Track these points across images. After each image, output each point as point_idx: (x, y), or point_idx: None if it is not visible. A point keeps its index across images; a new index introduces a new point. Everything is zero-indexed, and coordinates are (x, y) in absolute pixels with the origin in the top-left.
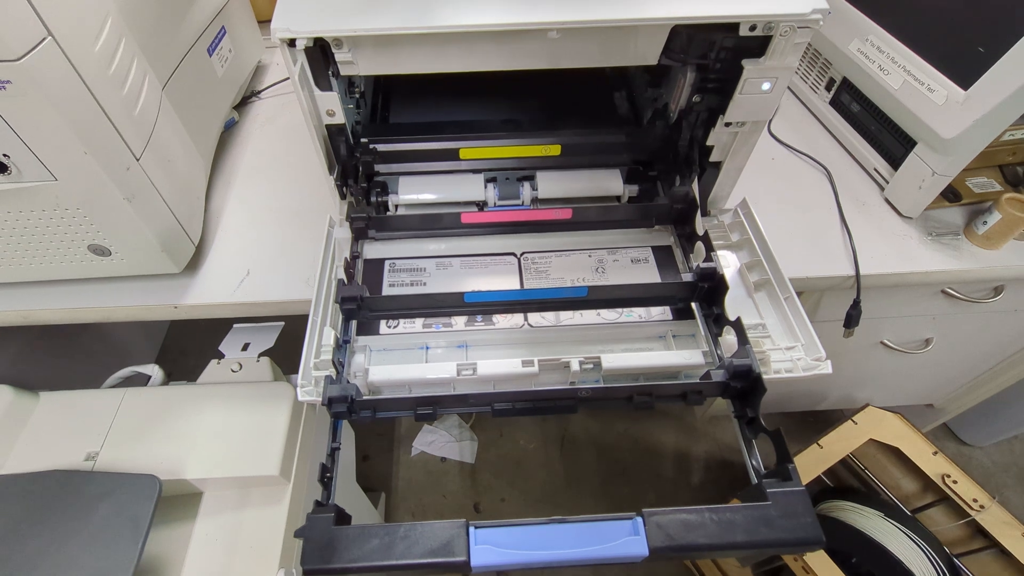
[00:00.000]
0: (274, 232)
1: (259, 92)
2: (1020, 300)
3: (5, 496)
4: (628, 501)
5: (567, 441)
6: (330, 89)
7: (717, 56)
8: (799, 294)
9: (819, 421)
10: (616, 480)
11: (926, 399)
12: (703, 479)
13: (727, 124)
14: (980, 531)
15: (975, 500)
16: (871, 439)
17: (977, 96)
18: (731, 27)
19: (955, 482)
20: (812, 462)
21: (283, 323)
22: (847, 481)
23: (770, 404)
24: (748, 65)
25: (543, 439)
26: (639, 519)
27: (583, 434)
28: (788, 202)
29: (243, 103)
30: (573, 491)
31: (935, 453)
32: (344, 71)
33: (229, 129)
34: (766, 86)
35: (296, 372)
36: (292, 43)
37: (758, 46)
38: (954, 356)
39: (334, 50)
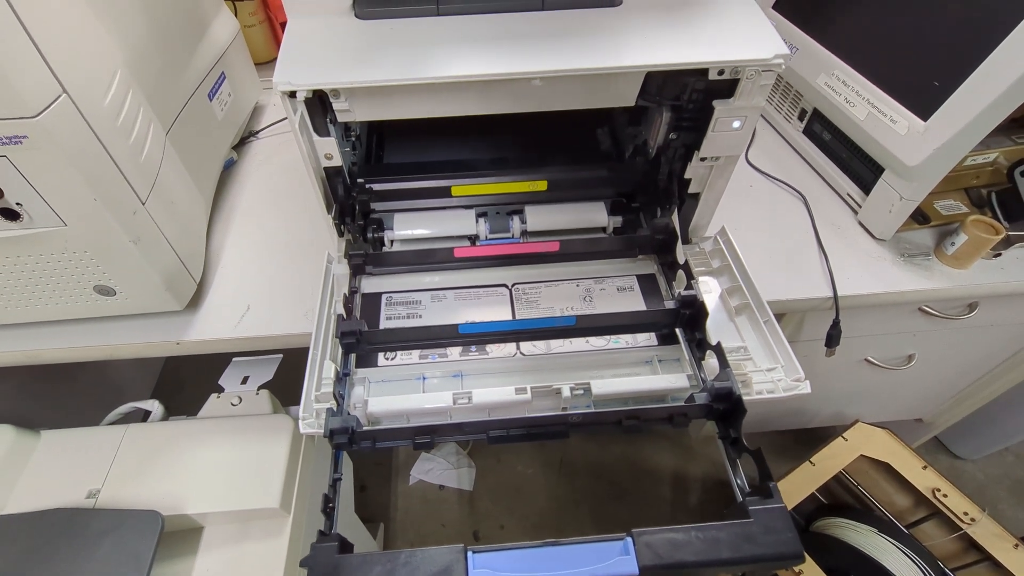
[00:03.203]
0: (273, 267)
1: (257, 132)
2: (995, 316)
3: (8, 536)
4: (627, 524)
5: (565, 465)
6: (328, 135)
7: (690, 97)
8: (781, 316)
9: (812, 438)
10: (615, 503)
11: (914, 414)
12: (701, 499)
13: (702, 159)
14: (973, 544)
15: (966, 513)
16: (862, 455)
17: (936, 126)
18: (701, 72)
19: (945, 496)
20: (805, 479)
21: (281, 355)
22: (841, 498)
23: (764, 423)
24: (718, 105)
25: (541, 464)
26: (629, 539)
27: (581, 458)
28: (767, 227)
29: (242, 143)
30: (572, 516)
31: (925, 467)
32: (341, 118)
33: (228, 169)
34: (736, 124)
35: (295, 404)
36: (293, 95)
37: (727, 88)
38: (937, 371)
39: (332, 100)
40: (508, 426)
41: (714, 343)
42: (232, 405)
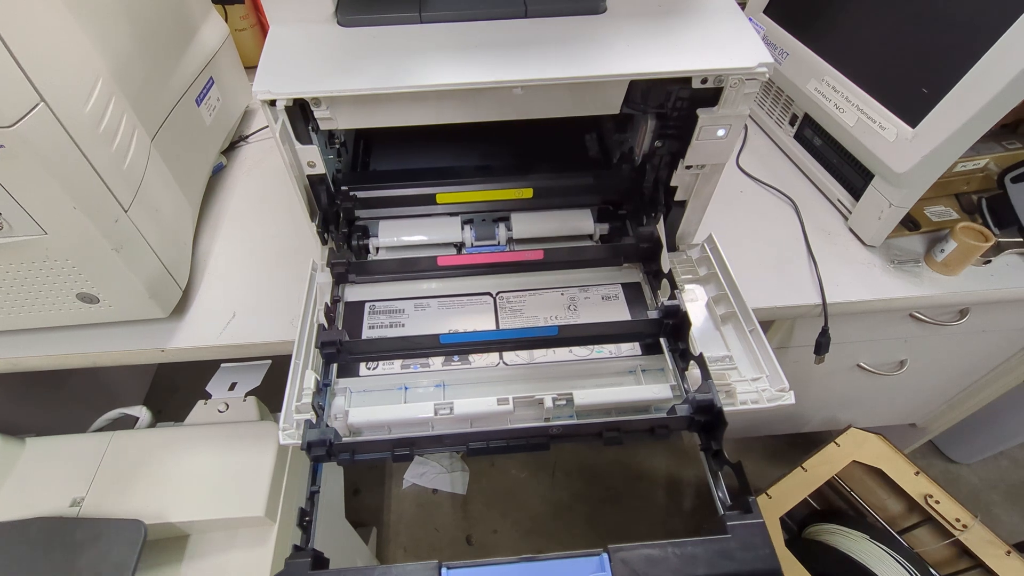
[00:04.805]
0: (260, 274)
1: (247, 137)
2: (986, 322)
3: None
4: (620, 528)
5: (558, 469)
6: (310, 143)
7: (674, 105)
8: (771, 323)
9: (805, 443)
10: (608, 507)
11: (907, 419)
12: (694, 504)
13: (688, 167)
14: (965, 551)
15: (958, 520)
16: (855, 461)
17: (924, 133)
18: (684, 80)
19: (938, 502)
20: (797, 485)
21: (270, 361)
22: (834, 503)
23: (755, 428)
24: (703, 114)
25: (534, 468)
26: (605, 555)
27: (574, 462)
28: (757, 233)
29: (231, 148)
30: (565, 520)
31: (917, 473)
32: (323, 126)
33: (217, 173)
34: (721, 132)
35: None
36: (273, 103)
37: (711, 96)
38: (929, 376)
39: (313, 108)
40: (488, 438)
41: (697, 353)
42: (219, 412)
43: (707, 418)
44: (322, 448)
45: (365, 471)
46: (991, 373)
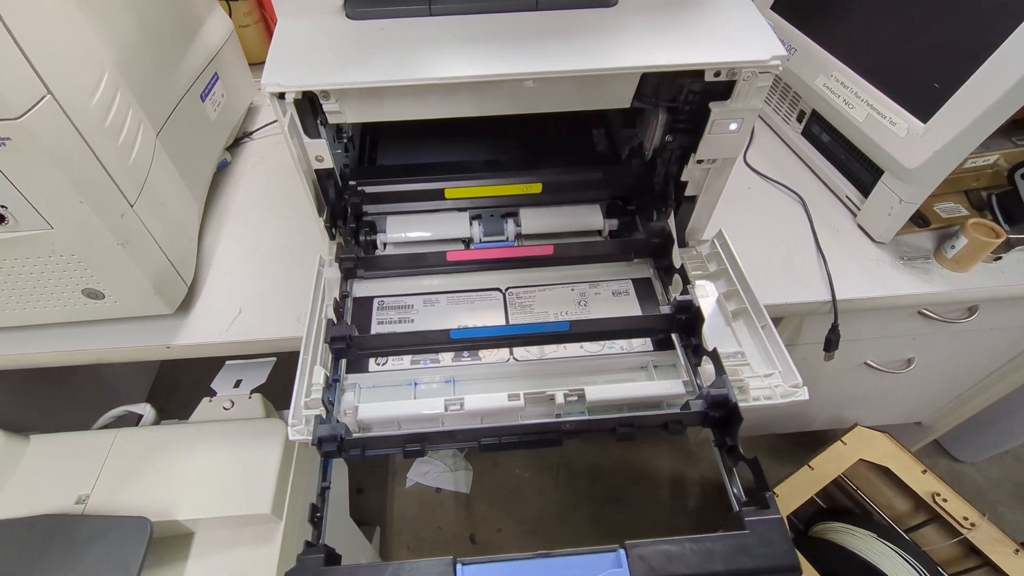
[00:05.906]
0: (266, 270)
1: (251, 133)
2: (995, 319)
3: None
4: (624, 528)
5: (563, 468)
6: (318, 137)
7: (686, 99)
8: (780, 320)
9: (812, 441)
10: (612, 507)
11: (914, 417)
12: (699, 503)
13: (699, 161)
14: (973, 549)
15: (966, 518)
16: (861, 459)
17: (936, 129)
18: (697, 73)
19: (945, 500)
20: (804, 484)
21: (275, 359)
22: (841, 502)
23: (762, 426)
24: (715, 107)
25: (538, 467)
26: (622, 551)
27: (578, 461)
28: (766, 230)
29: (236, 144)
30: (569, 519)
31: (924, 472)
32: (332, 120)
33: (222, 170)
34: (733, 126)
35: (288, 407)
36: (281, 96)
37: (724, 89)
38: (937, 374)
39: (322, 101)
40: (500, 434)
41: (710, 349)
42: (224, 409)
43: (722, 413)
44: (333, 444)
45: (368, 470)
46: (998, 371)
